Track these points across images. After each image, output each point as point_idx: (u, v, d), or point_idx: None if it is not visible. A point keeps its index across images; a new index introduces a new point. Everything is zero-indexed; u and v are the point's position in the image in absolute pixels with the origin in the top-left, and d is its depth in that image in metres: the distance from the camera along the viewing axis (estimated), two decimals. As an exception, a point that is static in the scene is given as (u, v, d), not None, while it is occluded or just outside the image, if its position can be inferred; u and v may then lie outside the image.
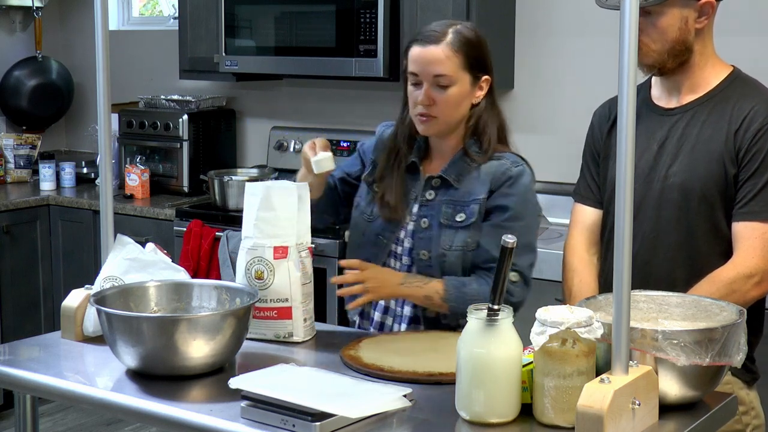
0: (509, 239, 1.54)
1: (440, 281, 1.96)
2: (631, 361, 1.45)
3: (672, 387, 1.52)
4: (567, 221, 3.20)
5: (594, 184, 2.08)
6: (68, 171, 4.13)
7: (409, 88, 2.01)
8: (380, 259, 2.04)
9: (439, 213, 2.00)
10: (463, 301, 1.88)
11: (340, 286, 1.99)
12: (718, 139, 1.87)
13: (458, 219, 1.98)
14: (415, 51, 1.98)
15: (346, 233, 2.51)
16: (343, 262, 1.98)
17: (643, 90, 2.04)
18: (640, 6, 1.83)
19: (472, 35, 1.99)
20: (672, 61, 1.91)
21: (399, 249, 2.05)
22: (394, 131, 2.10)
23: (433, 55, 1.95)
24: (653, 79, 2.02)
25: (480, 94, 2.01)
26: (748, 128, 1.85)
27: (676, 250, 1.91)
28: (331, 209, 2.18)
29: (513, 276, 1.94)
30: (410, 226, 2.04)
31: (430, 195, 2.02)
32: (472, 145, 2.01)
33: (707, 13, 1.91)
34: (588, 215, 2.09)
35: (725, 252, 1.87)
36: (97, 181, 4.09)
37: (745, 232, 1.84)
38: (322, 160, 1.99)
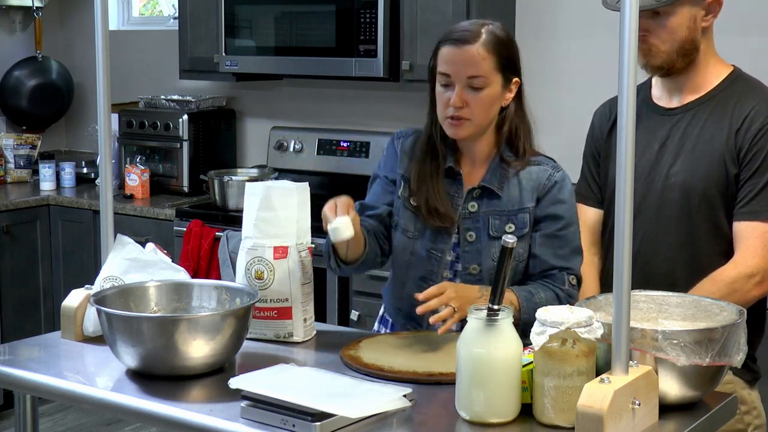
0: (509, 239, 1.54)
1: (510, 291, 1.86)
2: (631, 361, 1.45)
3: (672, 387, 1.52)
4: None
5: (594, 184, 2.08)
6: (68, 171, 4.12)
7: (438, 89, 1.92)
8: (437, 273, 1.95)
9: (486, 225, 1.92)
10: (535, 311, 1.74)
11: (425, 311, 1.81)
12: (719, 139, 1.87)
13: (508, 230, 1.90)
14: (448, 51, 1.90)
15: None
16: (421, 296, 1.80)
17: (643, 90, 2.04)
18: (652, 7, 1.84)
19: (505, 36, 1.93)
20: (681, 61, 1.91)
21: None
22: (428, 134, 1.98)
23: (468, 55, 1.87)
24: (653, 79, 2.02)
25: (509, 96, 1.94)
26: (749, 128, 1.85)
27: (677, 249, 1.91)
28: (385, 249, 2.03)
29: (572, 279, 1.91)
30: (453, 239, 1.95)
31: (473, 207, 1.93)
32: (506, 150, 1.94)
33: (714, 11, 1.91)
34: (589, 215, 2.09)
35: (726, 252, 1.87)
36: (97, 181, 4.09)
37: (745, 232, 1.84)
38: (339, 228, 1.79)
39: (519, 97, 1.96)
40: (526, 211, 1.91)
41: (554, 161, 1.98)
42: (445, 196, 1.94)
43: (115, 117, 3.96)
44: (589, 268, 2.05)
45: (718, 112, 1.90)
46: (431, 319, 1.79)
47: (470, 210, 1.94)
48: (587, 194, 2.10)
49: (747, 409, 1.89)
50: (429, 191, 1.95)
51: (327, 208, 1.84)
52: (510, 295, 1.85)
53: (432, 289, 1.81)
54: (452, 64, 1.88)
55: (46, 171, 4.06)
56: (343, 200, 1.86)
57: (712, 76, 1.94)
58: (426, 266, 1.96)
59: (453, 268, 1.96)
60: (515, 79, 1.94)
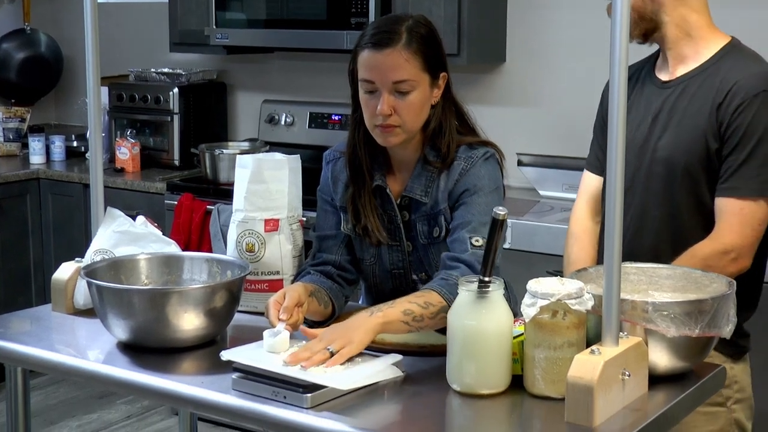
0: (500, 211, 1.53)
1: (430, 292, 1.70)
2: (621, 333, 1.46)
3: (662, 358, 1.52)
4: (558, 194, 3.23)
5: (601, 153, 2.06)
6: (58, 145, 4.09)
7: (363, 96, 1.81)
8: (407, 285, 1.92)
9: (417, 233, 1.88)
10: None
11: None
12: (703, 113, 1.86)
13: (435, 235, 1.86)
14: (369, 56, 1.78)
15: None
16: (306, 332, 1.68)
17: (650, 62, 2.02)
18: None
19: (427, 31, 1.81)
20: (644, 24, 1.90)
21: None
22: (352, 144, 1.90)
23: (390, 59, 1.76)
24: (659, 51, 2.01)
25: (438, 93, 1.84)
26: (731, 102, 1.83)
27: (662, 223, 1.91)
28: (354, 275, 1.98)
29: (476, 240, 1.75)
30: (406, 252, 1.92)
31: (404, 217, 1.89)
32: (430, 152, 1.85)
33: None
34: (594, 183, 2.08)
35: (709, 227, 1.86)
36: (87, 155, 4.06)
37: (723, 208, 1.83)
38: (277, 344, 1.60)
39: (447, 89, 1.86)
40: (442, 213, 1.84)
41: (481, 143, 1.87)
42: (373, 213, 1.88)
43: (104, 90, 3.92)
44: (588, 236, 2.04)
45: (707, 85, 1.88)
46: (303, 366, 1.53)
47: (404, 220, 1.89)
48: (594, 162, 2.09)
49: (728, 383, 1.89)
50: (360, 213, 1.88)
51: (272, 306, 1.71)
52: (432, 296, 1.69)
53: (312, 331, 1.66)
54: (375, 70, 1.77)
55: (35, 144, 4.03)
56: (290, 299, 1.72)
57: (704, 48, 1.92)
58: (393, 282, 1.94)
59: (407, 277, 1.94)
60: (442, 74, 1.84)
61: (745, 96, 1.82)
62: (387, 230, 1.90)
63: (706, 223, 1.86)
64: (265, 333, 1.63)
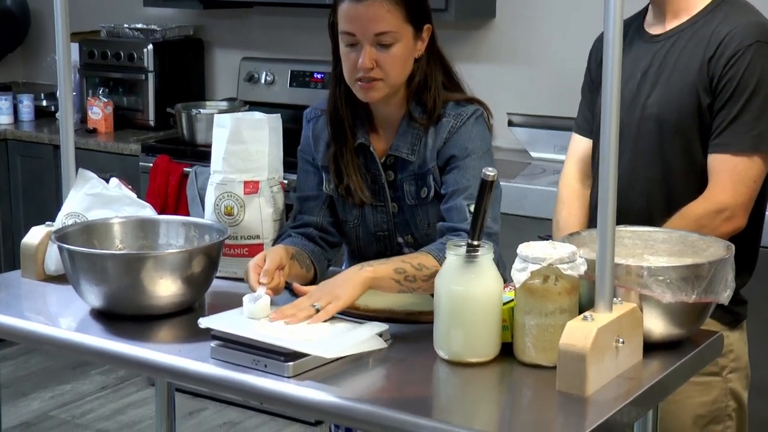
0: (490, 172, 1.48)
1: (425, 254, 1.68)
2: (615, 299, 1.43)
3: (657, 325, 1.49)
4: (549, 156, 3.18)
5: (589, 114, 2.03)
6: (26, 104, 4.01)
7: (344, 49, 1.76)
8: (391, 248, 1.87)
9: (404, 193, 1.83)
10: None
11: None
12: (693, 68, 1.82)
13: (423, 195, 1.81)
14: (349, 7, 1.73)
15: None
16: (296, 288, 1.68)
17: (639, 18, 1.98)
18: None
19: None
20: None
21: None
22: (332, 102, 1.85)
23: (372, 10, 1.71)
24: (650, 5, 1.96)
25: (422, 46, 1.79)
26: (722, 55, 1.79)
27: (654, 185, 1.87)
28: (336, 237, 1.93)
29: (472, 207, 1.66)
30: (390, 213, 1.88)
31: (390, 177, 1.84)
32: (416, 108, 1.81)
33: None
34: (582, 145, 2.05)
35: (703, 188, 1.83)
36: (57, 115, 3.97)
37: (715, 165, 1.80)
38: (257, 309, 1.57)
39: (432, 42, 1.81)
40: (430, 172, 1.79)
41: (468, 100, 1.82)
42: (356, 172, 1.84)
43: (75, 47, 3.84)
44: (578, 200, 2.01)
45: (698, 38, 1.84)
46: (286, 324, 1.55)
47: (389, 180, 1.85)
48: (582, 124, 2.06)
49: (723, 351, 1.86)
50: (343, 172, 1.84)
51: (252, 269, 1.68)
52: (427, 259, 1.68)
53: (303, 288, 1.67)
54: (356, 22, 1.73)
55: (2, 104, 3.94)
56: (271, 262, 1.68)
57: (696, 0, 1.88)
58: (378, 245, 1.90)
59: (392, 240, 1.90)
60: (427, 26, 1.80)
61: (738, 47, 1.77)
62: (371, 190, 1.86)
63: (699, 184, 1.83)
64: (245, 298, 1.59)
